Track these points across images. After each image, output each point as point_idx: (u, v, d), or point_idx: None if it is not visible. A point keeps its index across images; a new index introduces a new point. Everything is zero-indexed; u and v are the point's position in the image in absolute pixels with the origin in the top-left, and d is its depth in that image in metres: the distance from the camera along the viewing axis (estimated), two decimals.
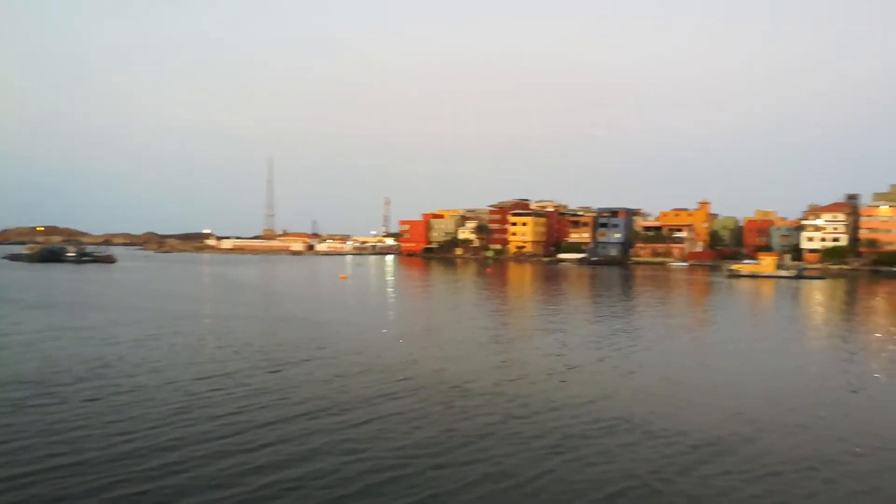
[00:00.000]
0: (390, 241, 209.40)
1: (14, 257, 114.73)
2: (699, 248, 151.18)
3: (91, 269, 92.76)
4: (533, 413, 17.20)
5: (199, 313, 39.99)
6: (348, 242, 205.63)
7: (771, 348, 29.76)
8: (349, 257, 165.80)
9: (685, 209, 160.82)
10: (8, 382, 19.77)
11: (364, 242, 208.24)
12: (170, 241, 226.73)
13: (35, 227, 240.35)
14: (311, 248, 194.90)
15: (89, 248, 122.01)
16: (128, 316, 37.20)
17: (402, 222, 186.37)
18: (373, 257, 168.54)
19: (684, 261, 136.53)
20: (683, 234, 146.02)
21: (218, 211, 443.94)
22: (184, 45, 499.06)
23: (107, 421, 15.83)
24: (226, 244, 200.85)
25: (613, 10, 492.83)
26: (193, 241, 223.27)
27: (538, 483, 12.23)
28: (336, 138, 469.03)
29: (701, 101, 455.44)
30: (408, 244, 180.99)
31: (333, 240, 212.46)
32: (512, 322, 39.63)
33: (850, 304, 56.17)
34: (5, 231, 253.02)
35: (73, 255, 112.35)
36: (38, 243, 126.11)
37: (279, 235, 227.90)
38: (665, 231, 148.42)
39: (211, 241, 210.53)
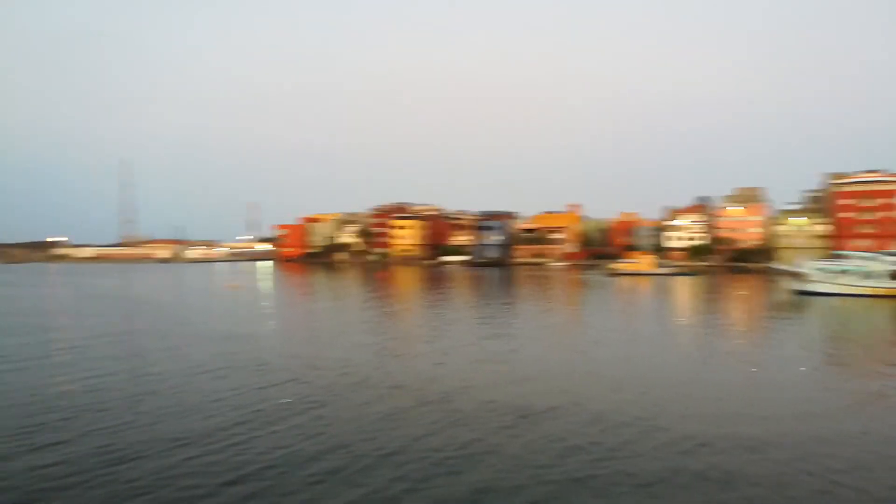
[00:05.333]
0: (263, 247, 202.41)
1: None
2: (573, 248, 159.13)
3: None
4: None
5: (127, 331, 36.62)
6: (220, 248, 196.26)
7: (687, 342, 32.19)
8: (222, 264, 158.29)
9: (556, 212, 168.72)
10: None
11: (236, 248, 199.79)
12: (13, 250, 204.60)
13: None
14: (179, 255, 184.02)
15: None
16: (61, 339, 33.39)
17: (280, 227, 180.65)
18: (246, 263, 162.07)
19: (562, 261, 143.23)
20: (559, 236, 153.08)
21: (70, 218, 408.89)
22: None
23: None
24: (84, 253, 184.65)
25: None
26: (42, 249, 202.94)
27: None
28: (200, 143, 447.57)
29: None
30: (286, 249, 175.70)
31: (203, 246, 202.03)
32: (442, 326, 39.65)
33: (724, 298, 61.35)
34: None
35: None
36: None
37: (143, 242, 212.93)
38: (542, 233, 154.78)
39: (64, 250, 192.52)
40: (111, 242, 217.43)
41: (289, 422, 17.23)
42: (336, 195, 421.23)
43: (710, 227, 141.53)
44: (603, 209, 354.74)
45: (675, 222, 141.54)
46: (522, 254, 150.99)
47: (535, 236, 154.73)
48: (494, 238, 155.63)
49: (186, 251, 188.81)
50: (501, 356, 27.10)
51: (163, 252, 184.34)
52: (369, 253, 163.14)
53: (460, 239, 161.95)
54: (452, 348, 29.39)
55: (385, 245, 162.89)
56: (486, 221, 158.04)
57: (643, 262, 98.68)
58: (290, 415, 17.91)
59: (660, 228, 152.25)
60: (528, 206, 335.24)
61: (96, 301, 56.85)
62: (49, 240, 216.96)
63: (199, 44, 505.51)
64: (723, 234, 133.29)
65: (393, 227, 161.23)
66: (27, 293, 68.99)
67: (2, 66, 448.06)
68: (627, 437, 15.77)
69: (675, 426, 16.63)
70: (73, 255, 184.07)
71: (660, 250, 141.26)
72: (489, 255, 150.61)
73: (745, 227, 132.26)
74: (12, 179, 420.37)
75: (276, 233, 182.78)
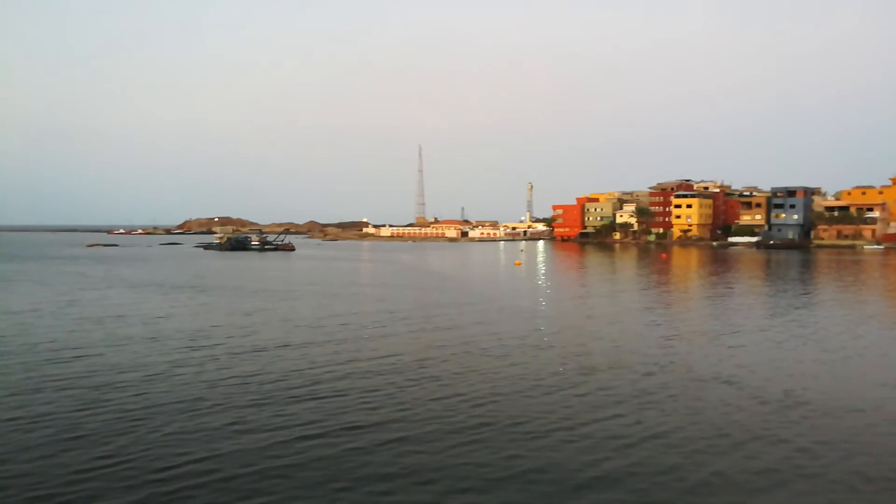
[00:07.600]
0: (539, 227, 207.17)
1: (207, 246, 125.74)
2: (892, 229, 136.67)
3: (278, 257, 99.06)
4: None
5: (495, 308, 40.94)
6: (500, 228, 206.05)
7: None
8: (502, 243, 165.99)
9: (870, 186, 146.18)
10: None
11: (514, 228, 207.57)
12: (330, 229, 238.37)
13: (212, 218, 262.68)
14: (464, 234, 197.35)
15: (270, 237, 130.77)
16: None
17: (556, 206, 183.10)
18: (524, 243, 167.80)
19: (878, 243, 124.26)
20: (875, 215, 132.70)
21: (370, 200, 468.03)
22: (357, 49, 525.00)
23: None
24: (384, 232, 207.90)
25: None
26: (351, 229, 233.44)
27: None
28: (480, 128, 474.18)
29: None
30: (561, 229, 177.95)
31: (484, 226, 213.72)
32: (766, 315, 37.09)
33: None
34: (188, 222, 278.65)
35: (257, 244, 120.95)
36: (226, 234, 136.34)
37: (431, 223, 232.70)
38: (852, 211, 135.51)
39: (369, 230, 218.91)
40: (405, 223, 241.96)
41: (624, 406, 17.79)
42: (614, 174, 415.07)
43: None
44: None
45: None
46: (825, 235, 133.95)
47: (844, 215, 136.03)
48: (790, 217, 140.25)
49: (470, 231, 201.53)
50: (834, 354, 24.48)
51: (451, 232, 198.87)
52: (648, 233, 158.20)
53: (749, 218, 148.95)
54: (766, 342, 27.38)
55: (665, 225, 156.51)
56: (781, 198, 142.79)
57: None
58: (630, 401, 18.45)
59: None
60: (833, 181, 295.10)
61: (419, 275, 64.34)
62: (357, 220, 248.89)
63: (484, 44, 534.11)
64: None
65: (673, 205, 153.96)
66: (362, 266, 79.85)
67: (329, 76, 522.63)
68: None
69: None
70: (376, 234, 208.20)
71: None
72: (784, 236, 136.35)
73: None
74: (324, 168, 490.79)
75: (553, 213, 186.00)
